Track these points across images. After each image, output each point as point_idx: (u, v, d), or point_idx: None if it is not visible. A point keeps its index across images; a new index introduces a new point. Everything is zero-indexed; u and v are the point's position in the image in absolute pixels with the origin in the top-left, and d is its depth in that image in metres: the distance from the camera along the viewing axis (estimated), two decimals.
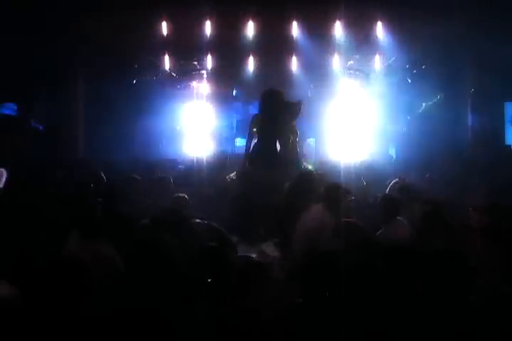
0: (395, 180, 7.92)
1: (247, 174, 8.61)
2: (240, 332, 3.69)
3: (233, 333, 3.69)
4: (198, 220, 6.62)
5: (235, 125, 14.17)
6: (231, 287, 4.32)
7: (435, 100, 12.96)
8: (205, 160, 11.36)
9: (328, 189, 6.40)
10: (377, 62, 13.19)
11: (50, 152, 12.60)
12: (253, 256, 6.75)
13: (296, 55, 13.30)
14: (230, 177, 9.44)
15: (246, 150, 8.57)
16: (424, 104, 12.88)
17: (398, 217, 6.26)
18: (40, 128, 13.75)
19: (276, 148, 8.20)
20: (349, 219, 5.64)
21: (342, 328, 3.42)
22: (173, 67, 13.51)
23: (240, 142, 14.25)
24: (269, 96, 8.43)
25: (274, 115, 8.24)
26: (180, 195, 7.45)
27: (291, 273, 4.45)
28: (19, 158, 11.34)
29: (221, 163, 11.43)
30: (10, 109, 13.33)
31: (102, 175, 8.97)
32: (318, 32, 12.68)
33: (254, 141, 8.41)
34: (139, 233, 6.00)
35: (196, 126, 13.53)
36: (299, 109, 8.96)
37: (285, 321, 3.64)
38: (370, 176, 9.11)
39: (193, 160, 12.11)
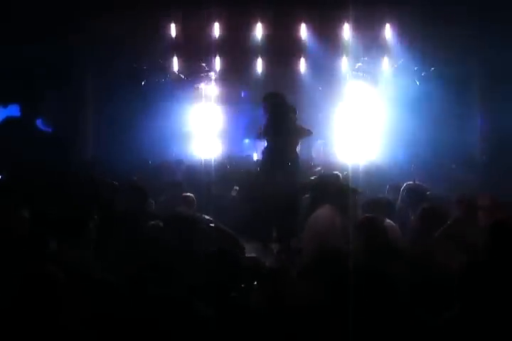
0: (406, 183, 7.87)
1: (259, 177, 8.62)
2: (248, 332, 3.67)
3: (241, 334, 3.67)
4: (206, 222, 6.62)
5: (243, 127, 14.17)
6: (240, 288, 4.31)
7: None
8: (213, 162, 11.38)
9: (337, 189, 6.38)
10: (386, 64, 13.17)
11: (58, 154, 12.59)
12: (262, 257, 6.78)
13: (305, 57, 13.33)
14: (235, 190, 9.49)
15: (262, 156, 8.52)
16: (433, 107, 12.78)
17: (387, 220, 6.18)
18: (48, 130, 13.74)
19: (288, 149, 8.15)
20: (371, 215, 5.56)
21: (352, 327, 3.39)
22: (181, 69, 13.53)
23: (248, 143, 14.29)
24: (275, 97, 8.42)
25: (282, 116, 8.21)
26: (188, 194, 7.45)
27: (301, 273, 4.44)
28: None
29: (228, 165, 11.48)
30: (15, 110, 13.29)
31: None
32: (326, 34, 12.70)
33: (266, 143, 8.38)
34: (148, 234, 5.97)
35: (204, 127, 13.52)
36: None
37: (296, 321, 3.63)
38: (371, 179, 9.12)
39: (200, 162, 12.14)
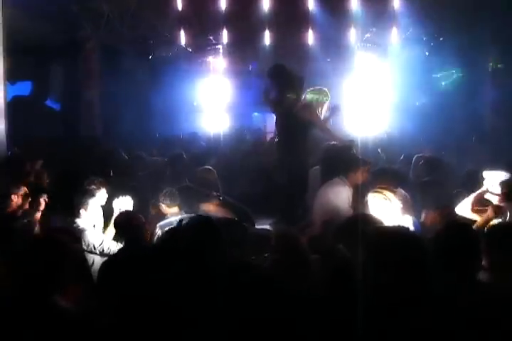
0: (417, 155, 7.83)
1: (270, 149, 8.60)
2: (260, 303, 3.68)
3: (253, 304, 3.68)
4: (214, 196, 6.63)
5: (252, 100, 14.11)
6: (247, 258, 4.32)
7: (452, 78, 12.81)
8: (222, 135, 11.38)
9: (347, 161, 6.35)
10: (394, 35, 13.05)
11: (67, 129, 12.63)
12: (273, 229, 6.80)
13: (313, 29, 13.20)
14: None
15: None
16: (442, 78, 12.67)
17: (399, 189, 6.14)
18: (56, 107, 13.74)
19: (296, 123, 8.07)
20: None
21: (362, 298, 3.40)
22: (189, 43, 13.45)
23: (257, 117, 14.25)
24: (274, 68, 8.35)
25: (284, 86, 8.13)
26: (208, 167, 7.46)
27: (310, 244, 4.45)
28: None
29: (239, 137, 11.47)
30: (23, 88, 13.25)
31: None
32: (334, 5, 12.57)
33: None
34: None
35: (212, 101, 13.48)
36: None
37: (307, 291, 3.64)
38: (382, 150, 9.11)
39: (210, 136, 12.15)
